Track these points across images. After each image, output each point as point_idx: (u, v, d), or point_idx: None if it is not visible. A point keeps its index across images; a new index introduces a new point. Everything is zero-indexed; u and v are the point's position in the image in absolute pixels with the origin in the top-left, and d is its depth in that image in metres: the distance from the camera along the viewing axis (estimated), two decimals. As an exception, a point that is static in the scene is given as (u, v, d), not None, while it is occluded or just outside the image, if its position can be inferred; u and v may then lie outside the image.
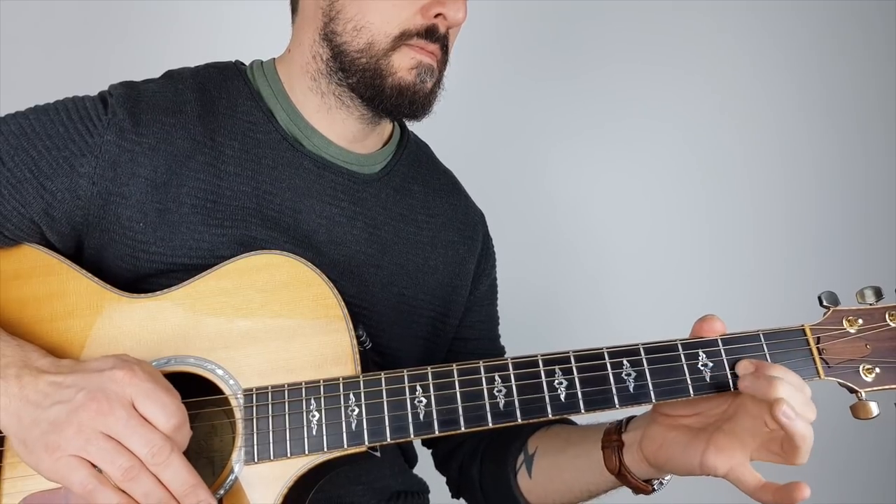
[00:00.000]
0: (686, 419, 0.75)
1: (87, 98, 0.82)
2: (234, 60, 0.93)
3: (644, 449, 0.77)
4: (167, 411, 0.63)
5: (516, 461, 0.91)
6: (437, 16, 0.82)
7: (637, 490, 0.80)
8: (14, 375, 0.65)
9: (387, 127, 0.97)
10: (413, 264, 0.93)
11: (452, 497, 1.04)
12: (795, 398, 0.64)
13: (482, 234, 1.05)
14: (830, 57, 1.75)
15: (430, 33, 0.83)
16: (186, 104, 0.84)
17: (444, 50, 0.86)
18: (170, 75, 0.88)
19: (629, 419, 0.82)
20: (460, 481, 1.00)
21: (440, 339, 0.97)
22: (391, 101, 0.84)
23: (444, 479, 1.04)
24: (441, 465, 1.05)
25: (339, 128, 0.90)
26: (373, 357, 0.78)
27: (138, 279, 0.79)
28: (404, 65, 0.83)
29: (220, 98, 0.87)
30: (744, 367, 0.69)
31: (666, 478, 0.80)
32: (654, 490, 0.79)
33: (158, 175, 0.79)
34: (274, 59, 0.95)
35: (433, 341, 0.96)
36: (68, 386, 0.64)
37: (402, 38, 0.82)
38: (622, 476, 0.79)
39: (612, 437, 0.80)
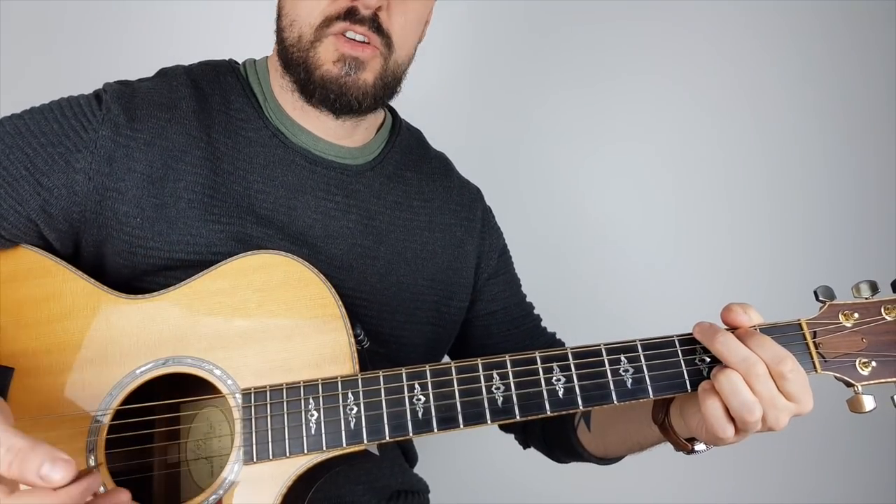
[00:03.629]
0: None
1: (81, 96, 0.82)
2: (227, 59, 0.94)
3: (684, 411, 0.76)
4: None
5: (574, 417, 0.93)
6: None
7: (677, 446, 0.78)
8: None
9: (374, 120, 0.96)
10: (410, 251, 0.93)
11: (524, 449, 1.07)
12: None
13: (480, 210, 1.04)
14: (832, 54, 1.75)
15: (350, 14, 0.81)
16: (181, 100, 0.84)
17: (380, 33, 0.83)
18: (163, 73, 0.89)
19: None
20: (526, 437, 1.04)
21: (447, 323, 0.97)
22: (320, 93, 0.84)
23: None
24: (504, 426, 1.06)
25: (320, 125, 0.90)
26: (376, 348, 0.78)
27: (136, 275, 0.79)
28: (328, 57, 0.82)
29: (213, 94, 0.87)
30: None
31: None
32: (693, 451, 0.77)
33: (154, 170, 0.79)
34: (266, 57, 0.95)
35: (440, 325, 0.96)
36: None
37: (325, 25, 0.81)
38: (665, 429, 0.78)
39: None
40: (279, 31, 0.87)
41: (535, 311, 1.07)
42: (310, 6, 0.82)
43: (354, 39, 0.82)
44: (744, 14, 1.74)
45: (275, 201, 0.85)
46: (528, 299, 1.08)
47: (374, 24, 0.82)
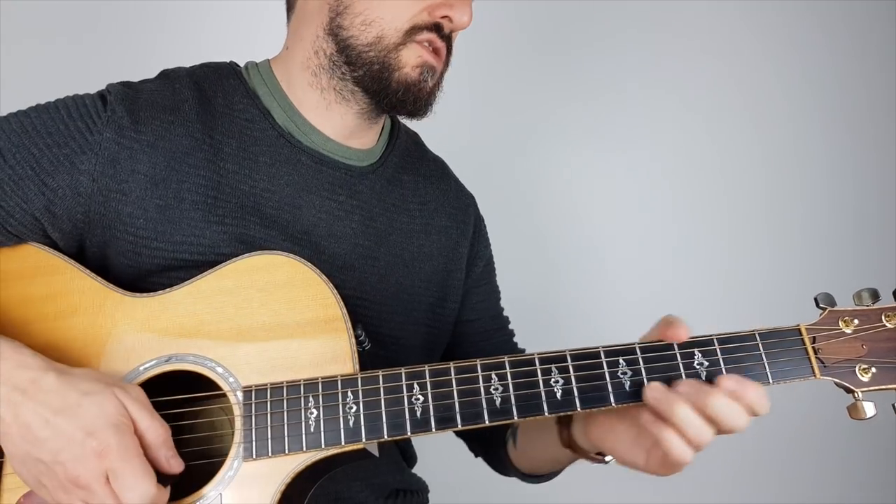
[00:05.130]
0: (634, 410, 0.73)
1: (86, 96, 0.83)
2: (228, 61, 0.95)
3: (590, 432, 0.78)
4: (139, 491, 0.64)
5: (505, 433, 0.97)
6: (443, 17, 0.86)
7: (592, 461, 0.83)
8: None
9: (383, 122, 0.99)
10: (408, 253, 0.95)
11: (475, 457, 1.09)
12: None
13: (474, 216, 1.07)
14: (832, 58, 1.76)
15: (436, 29, 0.86)
16: (184, 102, 0.85)
17: (449, 50, 0.90)
18: (166, 74, 0.90)
19: None
20: (477, 447, 1.08)
21: (441, 324, 0.99)
22: (396, 95, 0.86)
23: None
24: (460, 434, 1.09)
25: (337, 123, 0.91)
26: (375, 349, 0.79)
27: (140, 275, 0.80)
28: (411, 61, 0.86)
29: (216, 97, 0.88)
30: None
31: None
32: (605, 462, 0.82)
33: (158, 171, 0.81)
34: (268, 59, 0.96)
35: (434, 327, 0.98)
36: (46, 439, 0.64)
37: (412, 33, 0.85)
38: (573, 449, 0.82)
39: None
40: (339, 28, 0.86)
41: (510, 326, 1.10)
42: (397, 10, 0.84)
43: (434, 44, 0.87)
44: (743, 18, 1.75)
45: (280, 199, 0.86)
46: (505, 313, 1.10)
47: (450, 41, 0.89)
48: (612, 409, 0.72)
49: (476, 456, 1.09)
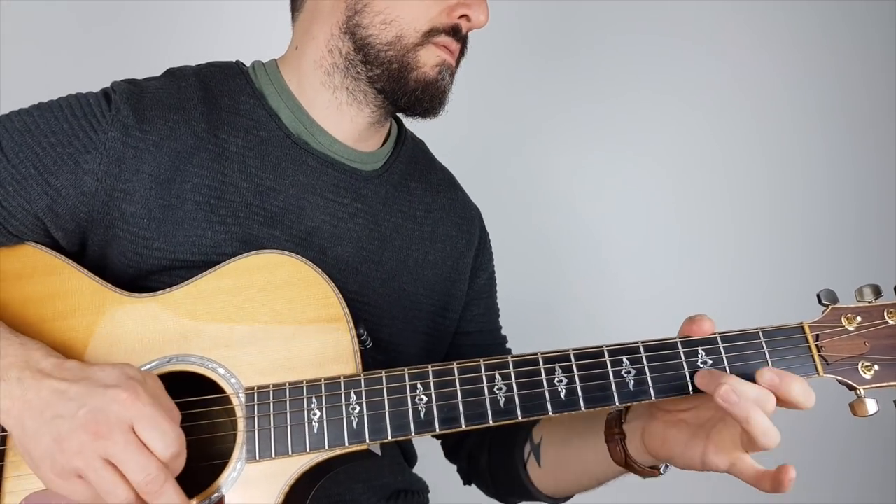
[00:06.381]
0: (683, 413, 0.75)
1: (90, 94, 0.82)
2: (234, 60, 0.94)
3: (647, 444, 0.78)
4: (166, 439, 0.63)
5: (524, 451, 0.93)
6: (461, 17, 0.86)
7: (645, 476, 0.81)
8: (16, 378, 0.65)
9: (388, 125, 0.98)
10: (412, 259, 0.94)
11: (464, 484, 1.05)
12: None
13: (479, 228, 1.07)
14: (832, 56, 1.76)
15: (454, 31, 0.87)
16: (190, 101, 0.84)
17: (463, 52, 0.91)
18: (171, 73, 0.89)
19: (627, 408, 0.82)
20: (469, 470, 1.03)
21: (441, 333, 0.99)
22: (414, 94, 0.86)
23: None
24: (450, 454, 1.06)
25: (346, 125, 0.91)
26: (373, 354, 0.79)
27: (141, 276, 0.80)
28: (430, 61, 0.86)
29: (222, 96, 0.87)
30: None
31: None
32: (661, 474, 0.80)
33: (162, 171, 0.80)
34: (275, 59, 0.95)
35: (434, 335, 0.97)
36: (71, 398, 0.64)
37: (430, 35, 0.85)
38: (629, 466, 0.80)
39: (614, 431, 0.81)
40: (356, 27, 0.86)
41: (508, 346, 1.08)
42: (417, 11, 0.85)
43: (450, 47, 0.88)
44: (743, 17, 1.75)
45: (285, 199, 0.85)
46: (503, 332, 1.09)
47: (465, 40, 0.91)
48: (664, 419, 0.75)
49: (467, 483, 1.04)
